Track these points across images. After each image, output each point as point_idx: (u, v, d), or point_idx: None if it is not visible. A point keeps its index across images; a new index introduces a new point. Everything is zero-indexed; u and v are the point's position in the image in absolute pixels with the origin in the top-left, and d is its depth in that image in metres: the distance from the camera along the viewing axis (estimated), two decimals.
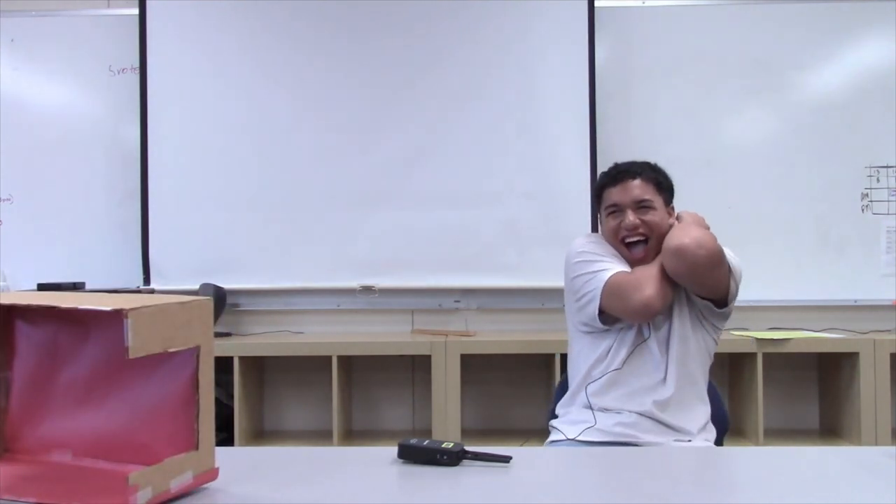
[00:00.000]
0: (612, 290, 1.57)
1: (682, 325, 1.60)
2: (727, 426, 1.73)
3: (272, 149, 2.88)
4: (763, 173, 2.87)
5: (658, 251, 1.61)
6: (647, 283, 1.53)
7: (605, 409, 1.59)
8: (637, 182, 1.64)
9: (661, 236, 1.60)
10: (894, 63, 2.84)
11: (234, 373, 2.54)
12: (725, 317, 1.64)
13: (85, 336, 0.94)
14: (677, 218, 1.67)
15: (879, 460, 1.02)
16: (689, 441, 1.53)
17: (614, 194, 1.66)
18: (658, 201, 1.64)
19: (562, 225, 2.82)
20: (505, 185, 2.85)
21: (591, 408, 1.60)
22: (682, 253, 1.48)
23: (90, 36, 2.95)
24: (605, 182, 1.71)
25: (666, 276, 1.55)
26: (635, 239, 1.62)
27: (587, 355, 1.66)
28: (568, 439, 1.59)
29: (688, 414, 1.56)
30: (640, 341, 1.61)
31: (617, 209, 1.65)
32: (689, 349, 1.59)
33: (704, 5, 2.90)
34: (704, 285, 1.55)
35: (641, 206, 1.62)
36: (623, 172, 1.67)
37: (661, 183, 1.67)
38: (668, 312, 1.61)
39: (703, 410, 1.60)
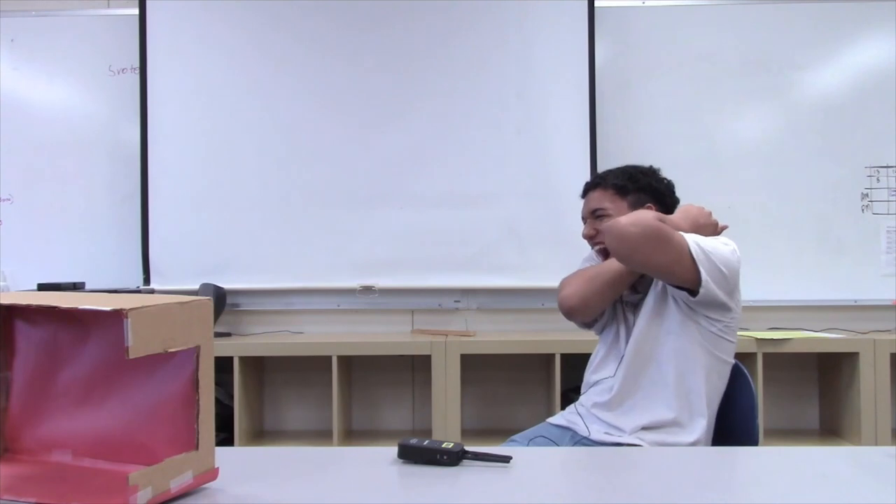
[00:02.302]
0: (558, 289, 1.72)
1: (645, 327, 1.57)
2: (756, 430, 1.59)
3: (272, 149, 2.88)
4: (763, 173, 2.87)
5: None
6: (570, 283, 1.66)
7: (578, 404, 1.68)
8: (594, 193, 1.70)
9: None
10: (894, 63, 2.84)
11: (234, 373, 2.54)
12: (714, 306, 1.50)
13: (85, 336, 0.93)
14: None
15: (879, 460, 1.02)
16: (619, 435, 1.54)
17: (582, 208, 1.75)
18: (616, 207, 1.65)
19: (562, 225, 2.82)
20: (505, 185, 2.85)
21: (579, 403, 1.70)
22: (612, 230, 1.46)
23: (90, 36, 2.95)
24: (581, 195, 1.79)
25: (597, 278, 1.60)
26: (598, 247, 1.69)
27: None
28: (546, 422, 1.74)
29: (626, 413, 1.55)
30: (615, 346, 1.65)
31: (584, 222, 1.74)
32: (651, 351, 1.56)
33: (704, 5, 2.90)
34: (652, 266, 1.48)
35: (596, 215, 1.68)
36: (586, 186, 1.75)
37: (624, 187, 1.66)
38: (633, 315, 1.62)
39: (656, 412, 1.53)
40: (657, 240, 1.43)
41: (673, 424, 1.53)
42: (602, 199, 1.67)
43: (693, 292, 1.49)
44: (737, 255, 1.50)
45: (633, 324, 1.60)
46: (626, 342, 1.61)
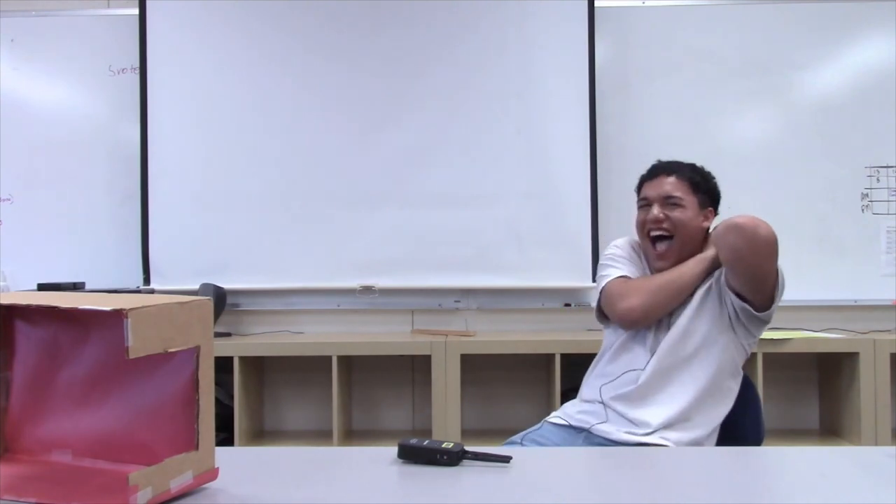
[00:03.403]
0: (606, 295, 1.65)
1: (687, 324, 1.57)
2: (761, 437, 1.64)
3: (272, 149, 2.88)
4: (763, 173, 2.87)
5: (682, 252, 1.62)
6: (634, 293, 1.58)
7: (584, 400, 1.64)
8: (670, 179, 1.66)
9: (688, 236, 1.62)
10: (894, 63, 2.84)
11: (234, 373, 2.54)
12: (763, 322, 1.58)
13: (85, 336, 0.93)
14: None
15: (879, 460, 1.02)
16: (645, 434, 1.51)
17: (647, 188, 1.69)
18: (690, 201, 1.64)
19: (562, 225, 2.82)
20: (505, 185, 2.85)
21: (586, 400, 1.65)
22: (741, 228, 1.46)
23: (90, 36, 2.95)
24: (642, 177, 1.74)
25: (661, 290, 1.56)
26: (659, 233, 1.63)
27: (602, 347, 1.72)
28: (545, 421, 1.67)
29: (651, 408, 1.54)
30: (639, 337, 1.61)
31: (646, 203, 1.67)
32: (689, 349, 1.56)
33: (704, 5, 2.90)
34: (758, 272, 1.50)
35: (670, 202, 1.63)
36: (659, 168, 1.70)
37: (699, 184, 1.67)
38: (675, 317, 1.60)
39: (681, 409, 1.53)
40: (774, 248, 1.49)
41: (692, 423, 1.54)
42: (678, 187, 1.64)
43: (755, 306, 1.53)
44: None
45: (671, 321, 1.59)
46: (655, 335, 1.59)
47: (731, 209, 2.77)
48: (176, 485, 0.82)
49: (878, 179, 2.85)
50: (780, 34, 2.88)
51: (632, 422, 1.53)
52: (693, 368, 1.56)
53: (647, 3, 2.91)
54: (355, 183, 2.87)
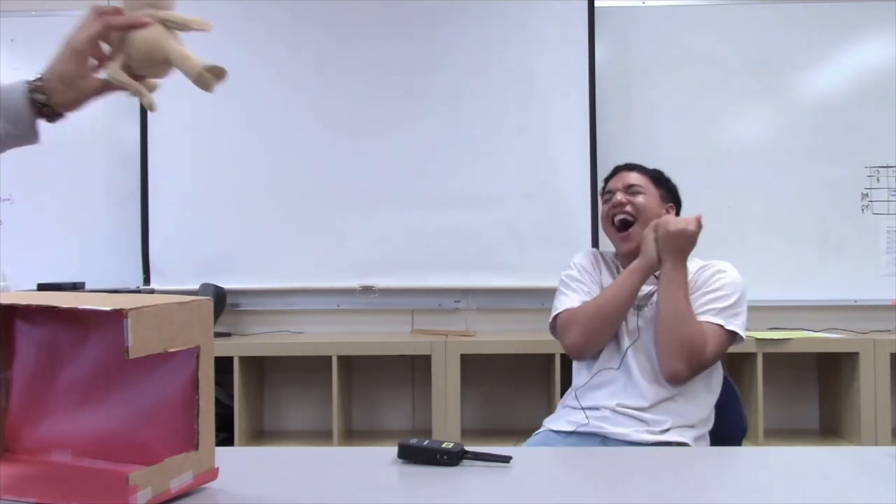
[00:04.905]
0: (555, 327, 1.73)
1: None
2: (745, 429, 1.70)
3: (272, 149, 2.88)
4: (763, 173, 2.87)
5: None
6: (573, 326, 1.65)
7: (586, 408, 1.64)
8: (632, 173, 1.75)
9: (650, 221, 1.68)
10: (894, 63, 2.84)
11: (234, 373, 2.54)
12: None
13: (85, 336, 0.93)
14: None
15: (879, 460, 1.02)
16: (661, 433, 1.53)
17: (610, 184, 1.78)
18: (650, 190, 1.72)
19: (562, 225, 2.82)
20: (505, 186, 2.85)
21: (573, 407, 1.67)
22: (676, 378, 1.56)
23: None
24: (605, 178, 1.83)
25: (597, 316, 1.62)
26: (622, 217, 1.70)
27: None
28: (547, 429, 1.67)
29: (664, 411, 1.56)
30: (618, 346, 1.66)
31: (610, 194, 1.76)
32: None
33: (704, 5, 2.90)
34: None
35: (632, 189, 1.72)
36: (621, 167, 1.80)
37: (659, 179, 1.76)
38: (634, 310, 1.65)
39: (689, 410, 1.58)
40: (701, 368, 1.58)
41: (702, 423, 1.59)
42: (640, 179, 1.74)
43: None
44: (739, 281, 1.62)
45: (640, 326, 1.63)
46: (627, 336, 1.64)
47: (731, 209, 2.82)
48: (176, 485, 0.82)
49: (878, 179, 2.85)
50: (780, 34, 2.87)
51: (646, 423, 1.55)
52: (699, 384, 1.61)
53: (647, 3, 2.91)
54: (355, 183, 2.86)
